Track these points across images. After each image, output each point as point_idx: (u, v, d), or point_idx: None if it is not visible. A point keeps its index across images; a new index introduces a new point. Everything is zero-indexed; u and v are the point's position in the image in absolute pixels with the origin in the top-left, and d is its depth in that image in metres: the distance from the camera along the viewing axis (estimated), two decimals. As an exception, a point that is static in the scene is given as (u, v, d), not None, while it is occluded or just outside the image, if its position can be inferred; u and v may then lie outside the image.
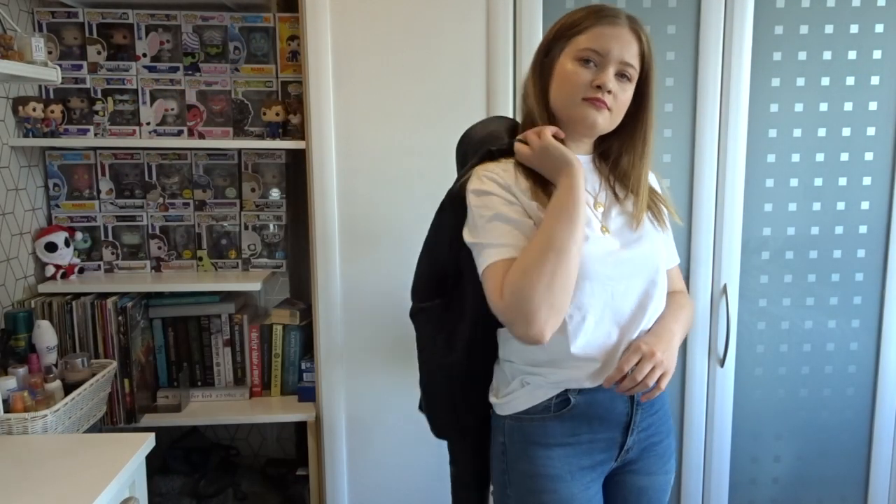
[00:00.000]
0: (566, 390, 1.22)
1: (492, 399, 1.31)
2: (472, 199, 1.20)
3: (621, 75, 1.18)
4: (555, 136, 1.19)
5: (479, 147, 1.28)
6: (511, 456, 1.26)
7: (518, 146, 1.22)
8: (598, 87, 1.16)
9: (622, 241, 1.23)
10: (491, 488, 1.34)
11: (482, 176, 1.21)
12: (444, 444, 1.46)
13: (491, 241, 1.16)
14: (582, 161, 1.21)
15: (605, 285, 1.19)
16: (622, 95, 1.19)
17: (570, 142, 1.23)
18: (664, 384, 1.20)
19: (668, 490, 1.37)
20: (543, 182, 1.20)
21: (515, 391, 1.25)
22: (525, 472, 1.24)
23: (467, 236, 1.21)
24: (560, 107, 1.22)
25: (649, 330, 1.24)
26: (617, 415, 1.24)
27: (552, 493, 1.23)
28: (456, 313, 1.29)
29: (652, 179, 1.33)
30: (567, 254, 1.10)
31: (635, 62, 1.19)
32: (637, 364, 1.17)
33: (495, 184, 1.20)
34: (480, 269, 1.17)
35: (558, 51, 1.21)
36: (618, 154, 1.27)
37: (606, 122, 1.20)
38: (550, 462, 1.23)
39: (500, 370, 1.31)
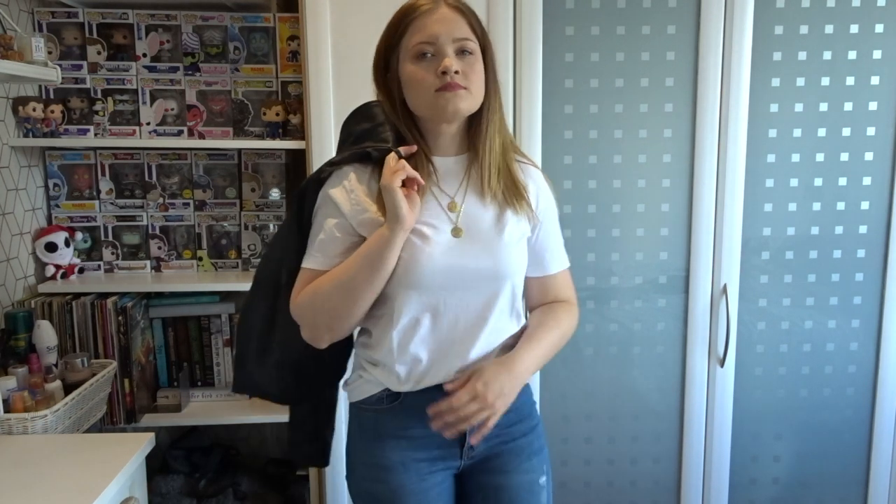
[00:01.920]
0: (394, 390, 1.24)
1: (342, 387, 1.35)
2: (320, 197, 1.23)
3: (462, 52, 1.16)
4: (407, 153, 1.18)
5: (362, 136, 1.26)
6: (352, 442, 1.30)
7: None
8: (444, 73, 1.13)
9: (472, 245, 1.20)
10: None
11: (336, 183, 1.22)
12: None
13: (312, 246, 1.22)
14: (445, 162, 1.22)
15: (435, 295, 1.19)
16: (472, 70, 1.16)
17: (440, 142, 1.22)
18: (489, 425, 1.17)
19: (536, 491, 1.31)
20: None
21: (356, 381, 1.29)
22: (361, 460, 1.28)
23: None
24: (420, 109, 1.19)
25: (500, 358, 1.22)
26: None
27: (382, 482, 1.24)
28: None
29: (534, 175, 1.30)
30: (357, 295, 1.16)
31: (469, 35, 1.17)
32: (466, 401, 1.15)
33: (343, 192, 1.20)
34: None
35: (395, 61, 1.20)
36: (475, 135, 1.22)
37: (467, 101, 1.16)
38: (382, 452, 1.25)
39: (352, 359, 1.34)
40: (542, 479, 1.32)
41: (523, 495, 1.30)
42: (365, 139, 1.25)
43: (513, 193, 1.23)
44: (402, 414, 1.24)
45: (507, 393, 1.18)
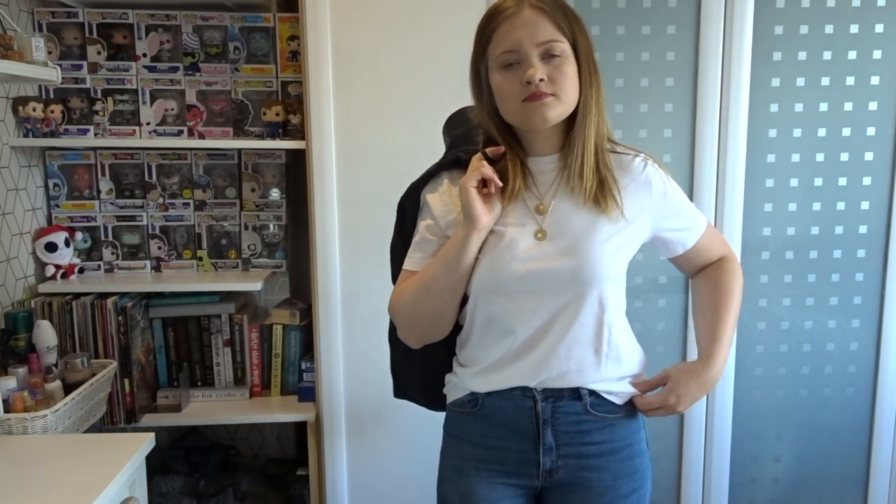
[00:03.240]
0: (474, 391, 1.24)
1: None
2: (420, 201, 1.26)
3: (548, 55, 1.10)
4: (494, 154, 1.17)
5: (457, 142, 1.30)
6: (443, 443, 1.32)
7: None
8: (528, 83, 1.09)
9: (555, 247, 1.15)
10: None
11: (432, 189, 1.25)
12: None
13: (412, 248, 1.25)
14: (540, 162, 1.18)
15: (514, 298, 1.16)
16: (560, 74, 1.10)
17: (535, 143, 1.18)
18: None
19: None
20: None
21: (450, 382, 1.31)
22: (443, 460, 1.30)
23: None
24: (510, 118, 1.16)
25: (690, 365, 1.25)
26: (521, 428, 1.20)
27: (453, 483, 1.26)
28: None
29: (631, 166, 1.20)
30: (436, 296, 1.18)
31: (556, 35, 1.10)
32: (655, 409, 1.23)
33: (437, 196, 1.23)
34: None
35: (484, 71, 1.16)
36: (580, 132, 1.16)
37: (555, 109, 1.11)
38: (460, 454, 1.26)
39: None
40: None
41: None
42: (460, 144, 1.28)
43: (603, 194, 1.16)
44: (482, 420, 1.23)
45: (699, 400, 1.24)
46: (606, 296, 1.17)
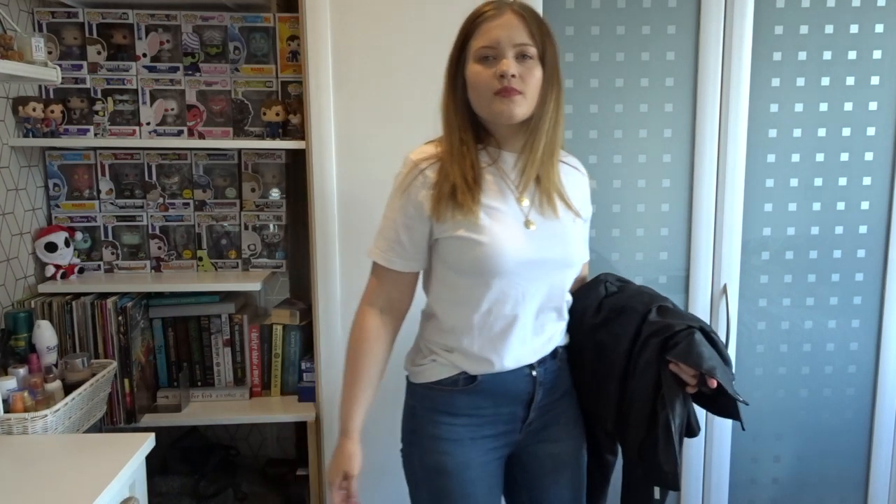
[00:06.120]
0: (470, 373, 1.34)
1: (406, 367, 1.43)
2: (398, 176, 1.34)
3: (522, 56, 1.23)
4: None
5: None
6: (419, 419, 1.38)
7: None
8: (502, 77, 1.21)
9: (544, 236, 1.29)
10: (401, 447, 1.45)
11: (413, 168, 1.31)
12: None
13: (379, 234, 1.35)
14: (510, 157, 1.31)
15: (513, 283, 1.28)
16: (530, 75, 1.23)
17: (503, 138, 1.30)
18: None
19: (580, 456, 1.47)
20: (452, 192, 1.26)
21: (426, 364, 1.37)
22: (430, 434, 1.36)
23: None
24: (479, 109, 1.27)
25: None
26: (520, 392, 1.36)
27: (449, 454, 1.34)
28: None
29: (571, 175, 1.38)
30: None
31: (528, 40, 1.23)
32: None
33: (418, 182, 1.29)
34: (369, 249, 1.36)
35: (463, 62, 1.27)
36: (532, 134, 1.28)
37: (522, 107, 1.24)
38: (453, 428, 1.35)
39: (416, 342, 1.43)
40: (584, 446, 1.48)
41: (572, 460, 1.45)
42: None
43: (561, 192, 1.32)
44: (478, 395, 1.34)
45: None
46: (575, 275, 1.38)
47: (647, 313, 1.34)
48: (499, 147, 1.31)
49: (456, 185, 1.24)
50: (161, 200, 2.10)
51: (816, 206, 1.97)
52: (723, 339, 1.97)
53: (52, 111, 1.96)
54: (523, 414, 1.37)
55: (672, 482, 1.30)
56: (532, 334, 1.34)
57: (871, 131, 1.94)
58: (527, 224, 1.28)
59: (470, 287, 1.29)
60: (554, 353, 1.39)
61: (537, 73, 1.24)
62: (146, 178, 2.09)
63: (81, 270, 2.07)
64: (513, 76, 1.21)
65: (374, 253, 1.34)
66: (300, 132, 1.98)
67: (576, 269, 1.36)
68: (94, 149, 2.06)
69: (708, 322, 1.98)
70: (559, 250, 1.30)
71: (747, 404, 1.33)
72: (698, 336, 1.27)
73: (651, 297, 1.39)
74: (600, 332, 1.39)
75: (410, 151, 1.34)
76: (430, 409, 1.37)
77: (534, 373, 1.35)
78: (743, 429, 1.38)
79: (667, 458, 1.28)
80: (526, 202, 1.30)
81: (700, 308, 1.97)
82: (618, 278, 1.51)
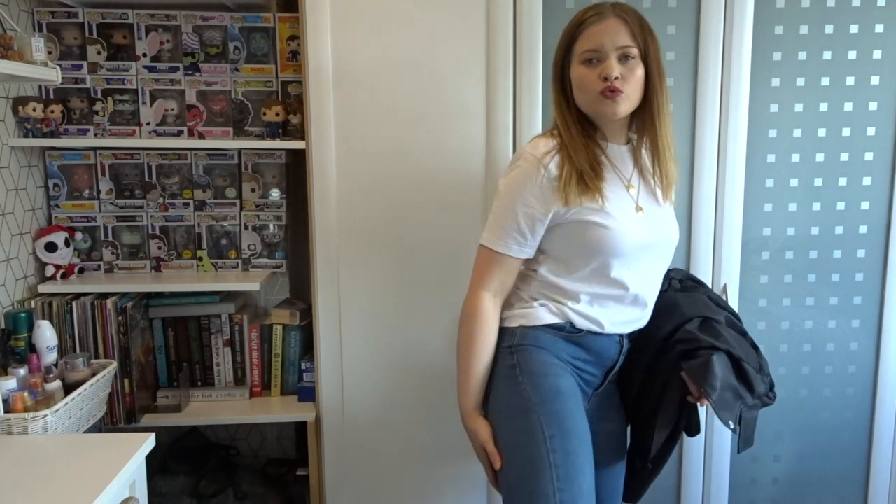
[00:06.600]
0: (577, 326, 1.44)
1: (505, 313, 1.46)
2: (516, 166, 1.40)
3: (624, 58, 1.33)
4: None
5: None
6: (523, 352, 1.42)
7: None
8: (605, 79, 1.32)
9: (651, 220, 1.41)
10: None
11: (537, 164, 1.37)
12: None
13: (495, 223, 1.41)
14: (617, 149, 1.43)
15: (629, 262, 1.39)
16: (632, 75, 1.34)
17: (609, 131, 1.42)
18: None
19: (625, 437, 1.57)
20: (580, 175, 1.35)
21: (536, 307, 1.43)
22: (541, 360, 1.41)
23: (500, 185, 1.43)
24: (585, 107, 1.38)
25: None
26: (610, 356, 1.47)
27: (563, 378, 1.40)
28: None
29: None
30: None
31: (631, 42, 1.33)
32: None
33: (542, 175, 1.36)
34: (483, 236, 1.42)
35: (568, 63, 1.39)
36: (641, 130, 1.44)
37: (625, 104, 1.35)
38: (559, 359, 1.42)
39: (519, 292, 1.48)
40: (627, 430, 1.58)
41: (622, 441, 1.56)
42: None
43: (666, 179, 1.45)
44: (579, 346, 1.44)
45: None
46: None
47: (688, 321, 1.43)
48: (605, 139, 1.42)
49: (583, 172, 1.34)
50: (161, 200, 2.10)
51: (816, 206, 1.97)
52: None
53: (52, 111, 1.96)
54: (600, 380, 1.48)
55: (653, 463, 1.48)
56: (635, 307, 1.45)
57: (871, 131, 1.94)
58: (637, 209, 1.40)
59: (587, 265, 1.39)
60: (632, 333, 1.49)
61: (639, 73, 1.34)
62: (146, 178, 2.09)
63: (81, 270, 2.07)
64: (616, 78, 1.31)
65: (490, 240, 1.41)
66: (300, 132, 1.98)
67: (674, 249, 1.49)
68: (94, 149, 2.05)
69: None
70: (665, 233, 1.45)
71: (735, 432, 1.38)
72: (717, 357, 1.35)
73: (707, 307, 1.48)
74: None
75: (527, 146, 1.41)
76: (534, 345, 1.42)
77: (623, 343, 1.46)
78: (738, 451, 1.44)
79: (655, 441, 1.45)
80: (633, 189, 1.42)
81: (700, 308, 1.97)
82: (689, 276, 1.65)
